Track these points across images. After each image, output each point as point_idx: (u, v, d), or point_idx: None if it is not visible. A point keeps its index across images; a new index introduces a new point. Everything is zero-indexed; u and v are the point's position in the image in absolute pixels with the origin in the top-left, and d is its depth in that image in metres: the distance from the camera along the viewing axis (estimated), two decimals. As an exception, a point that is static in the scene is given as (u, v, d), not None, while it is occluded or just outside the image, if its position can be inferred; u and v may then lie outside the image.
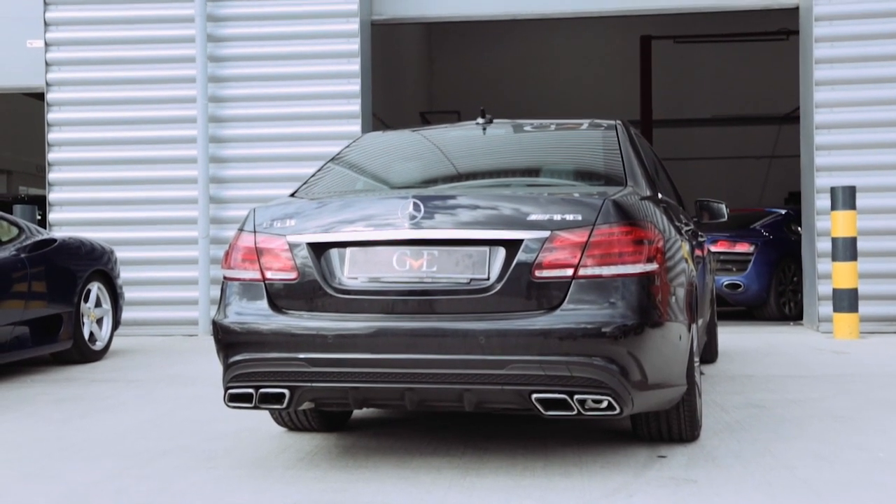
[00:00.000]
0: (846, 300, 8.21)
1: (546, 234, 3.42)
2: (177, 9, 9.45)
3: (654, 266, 3.49)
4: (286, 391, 3.54)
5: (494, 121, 4.63)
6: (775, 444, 4.01)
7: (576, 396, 3.33)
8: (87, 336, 7.06)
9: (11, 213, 8.92)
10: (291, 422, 4.34)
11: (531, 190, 3.99)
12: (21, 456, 4.07)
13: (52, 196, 9.54)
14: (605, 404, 3.36)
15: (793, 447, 3.96)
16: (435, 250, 3.50)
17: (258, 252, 3.69)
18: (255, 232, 3.74)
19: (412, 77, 20.43)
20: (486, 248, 3.47)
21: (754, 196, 21.22)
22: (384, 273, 3.53)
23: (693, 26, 19.58)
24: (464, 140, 4.71)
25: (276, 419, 4.37)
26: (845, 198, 8.15)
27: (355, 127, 9.17)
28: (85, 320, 7.06)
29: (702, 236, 5.79)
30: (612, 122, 4.54)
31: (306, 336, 3.50)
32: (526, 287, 3.40)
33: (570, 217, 3.44)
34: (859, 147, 8.87)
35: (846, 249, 8.19)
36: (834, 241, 8.25)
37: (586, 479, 3.49)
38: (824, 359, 6.86)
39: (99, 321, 7.29)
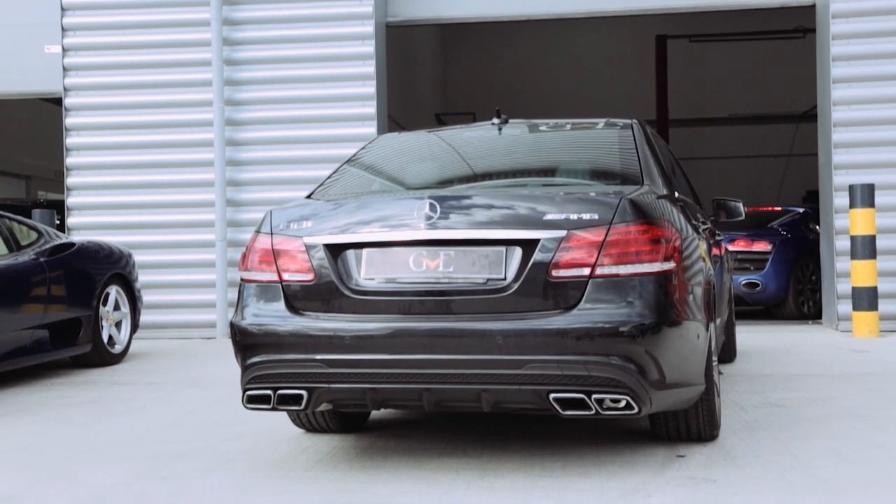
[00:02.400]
0: (865, 299, 8.16)
1: (563, 233, 3.41)
2: (193, 13, 9.49)
3: (671, 265, 3.47)
4: (304, 392, 3.55)
5: (510, 121, 4.63)
6: (795, 444, 3.98)
7: (594, 396, 3.33)
8: (105, 339, 7.09)
9: (31, 217, 8.97)
10: (309, 423, 4.35)
11: (547, 189, 3.97)
12: (41, 459, 4.09)
13: (71, 200, 9.59)
14: (623, 404, 3.35)
15: (812, 446, 3.93)
16: (451, 250, 3.50)
17: (275, 254, 3.70)
18: (271, 234, 3.75)
19: (427, 79, 20.44)
20: (503, 248, 3.47)
21: (772, 195, 21.12)
22: (401, 274, 3.53)
23: (708, 25, 19.51)
24: (479, 140, 4.71)
25: (294, 421, 4.38)
26: (864, 195, 8.10)
27: (371, 129, 9.17)
28: (104, 324, 7.09)
29: (719, 235, 5.76)
30: (628, 121, 4.53)
31: (323, 337, 3.50)
32: (543, 287, 3.39)
33: (586, 216, 3.43)
34: (878, 144, 8.81)
35: (865, 248, 8.14)
36: (853, 239, 8.20)
37: (605, 479, 3.48)
38: (844, 357, 6.82)
39: (118, 324, 7.32)
